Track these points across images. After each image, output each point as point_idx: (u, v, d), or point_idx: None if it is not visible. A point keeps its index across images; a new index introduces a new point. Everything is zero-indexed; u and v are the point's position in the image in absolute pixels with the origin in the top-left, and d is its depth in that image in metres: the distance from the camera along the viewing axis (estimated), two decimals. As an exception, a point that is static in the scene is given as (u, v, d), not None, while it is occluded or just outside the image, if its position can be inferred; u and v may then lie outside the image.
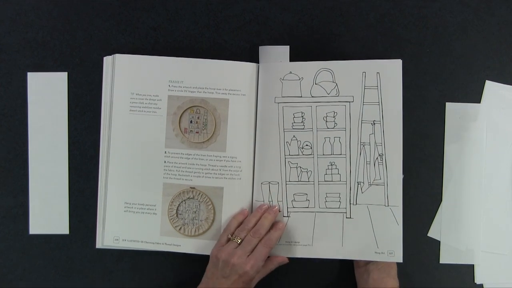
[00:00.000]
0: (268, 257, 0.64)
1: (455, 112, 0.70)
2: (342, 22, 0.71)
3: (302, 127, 0.66)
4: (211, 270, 0.63)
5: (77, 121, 0.70)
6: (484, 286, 0.69)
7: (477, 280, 0.69)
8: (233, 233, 0.64)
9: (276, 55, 0.69)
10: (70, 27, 0.71)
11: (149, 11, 0.71)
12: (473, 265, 0.69)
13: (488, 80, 0.70)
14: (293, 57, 0.66)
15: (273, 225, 0.65)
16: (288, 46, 0.68)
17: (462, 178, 0.69)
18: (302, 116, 0.66)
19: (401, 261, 0.63)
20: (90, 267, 0.70)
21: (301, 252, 0.65)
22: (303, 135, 0.66)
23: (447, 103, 0.70)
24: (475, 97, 0.70)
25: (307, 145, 0.66)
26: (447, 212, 0.69)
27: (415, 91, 0.70)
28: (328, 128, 0.66)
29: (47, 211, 0.70)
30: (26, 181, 0.70)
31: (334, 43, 0.71)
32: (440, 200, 0.70)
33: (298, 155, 0.66)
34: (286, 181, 0.66)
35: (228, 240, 0.64)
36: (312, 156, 0.66)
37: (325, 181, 0.66)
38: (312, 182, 0.66)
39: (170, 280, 0.70)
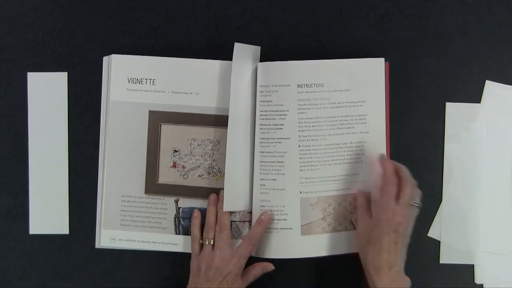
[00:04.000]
0: (252, 264, 0.63)
1: (455, 112, 0.70)
2: (342, 22, 0.71)
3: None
4: (193, 280, 0.62)
5: (77, 121, 0.70)
6: (484, 286, 0.69)
7: (477, 280, 0.69)
8: (200, 238, 0.64)
9: (247, 55, 0.66)
10: (70, 27, 0.71)
11: (149, 11, 0.71)
12: (473, 265, 0.69)
13: (488, 80, 0.70)
14: (293, 58, 0.65)
15: (256, 220, 0.63)
16: (259, 47, 0.66)
17: (462, 178, 0.69)
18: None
19: None
20: (90, 267, 0.70)
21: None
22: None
23: (447, 103, 0.70)
24: (475, 97, 0.70)
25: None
26: (447, 212, 0.69)
27: (415, 91, 0.70)
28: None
29: (47, 211, 0.70)
30: (26, 181, 0.70)
31: (334, 43, 0.71)
32: (440, 200, 0.70)
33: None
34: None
35: (201, 246, 0.63)
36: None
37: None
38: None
39: (170, 280, 0.70)
